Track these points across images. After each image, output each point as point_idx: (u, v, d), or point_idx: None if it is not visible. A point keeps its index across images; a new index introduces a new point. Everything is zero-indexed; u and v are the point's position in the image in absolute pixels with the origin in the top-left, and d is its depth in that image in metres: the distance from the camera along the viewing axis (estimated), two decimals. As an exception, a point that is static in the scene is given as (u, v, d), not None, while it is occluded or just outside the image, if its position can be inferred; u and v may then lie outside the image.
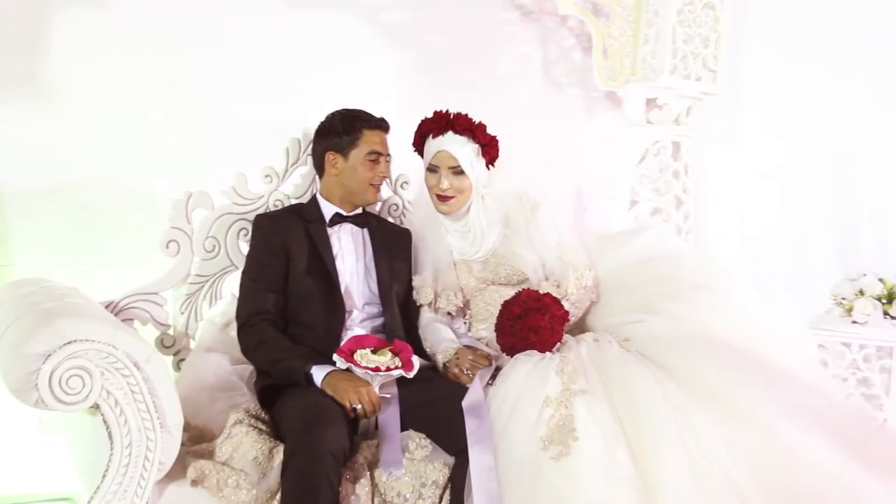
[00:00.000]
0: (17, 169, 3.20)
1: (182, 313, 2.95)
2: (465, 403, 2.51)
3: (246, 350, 2.75)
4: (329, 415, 2.42)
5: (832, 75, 4.55)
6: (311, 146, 3.00)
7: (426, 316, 2.97)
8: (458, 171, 2.89)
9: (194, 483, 2.31)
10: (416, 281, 2.97)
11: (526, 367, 2.60)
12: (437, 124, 2.91)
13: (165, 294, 2.93)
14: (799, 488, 2.38)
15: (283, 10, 3.56)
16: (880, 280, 3.82)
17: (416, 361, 2.64)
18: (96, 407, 2.18)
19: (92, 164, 3.25)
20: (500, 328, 2.76)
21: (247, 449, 2.39)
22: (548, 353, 2.67)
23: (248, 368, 2.71)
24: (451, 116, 2.90)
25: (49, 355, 2.11)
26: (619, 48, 3.89)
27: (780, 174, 4.57)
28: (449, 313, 2.96)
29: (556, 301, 2.77)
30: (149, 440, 2.21)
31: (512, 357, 2.72)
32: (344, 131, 2.86)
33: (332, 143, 2.88)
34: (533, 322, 2.67)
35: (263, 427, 2.52)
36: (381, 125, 2.90)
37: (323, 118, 2.93)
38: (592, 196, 4.10)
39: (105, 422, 2.19)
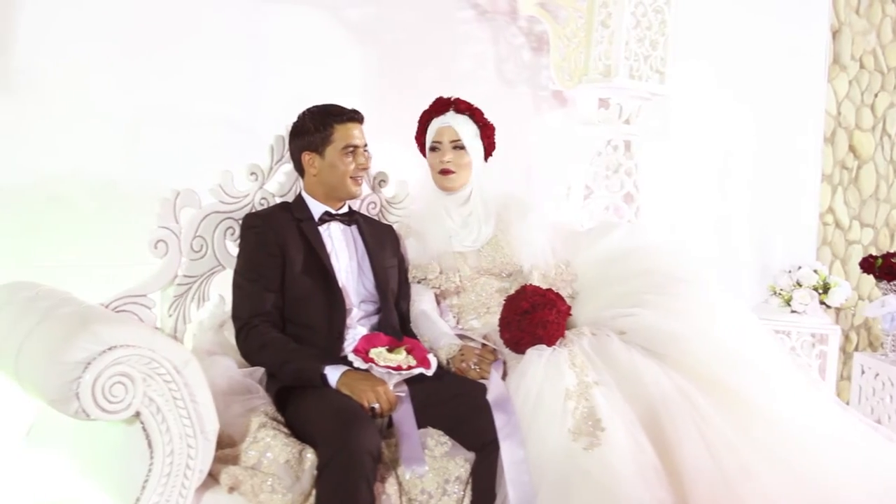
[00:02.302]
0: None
1: (170, 316, 2.85)
2: (490, 399, 2.53)
3: (248, 353, 2.68)
4: (361, 415, 2.40)
5: (745, 77, 4.80)
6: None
7: (417, 308, 2.98)
8: (458, 146, 3.04)
9: (231, 490, 2.24)
10: (418, 260, 3.03)
11: (541, 362, 2.64)
12: (438, 106, 3.08)
13: (153, 296, 2.81)
14: (801, 463, 2.54)
15: (248, 4, 3.47)
16: (815, 272, 4.07)
17: (433, 359, 2.64)
18: (136, 415, 2.09)
19: (59, 161, 3.07)
20: (505, 323, 2.79)
21: (277, 452, 2.33)
22: (555, 347, 2.72)
23: (259, 371, 2.63)
24: (452, 99, 3.07)
25: (90, 362, 2.01)
26: (573, 49, 3.98)
27: (703, 174, 4.79)
28: (445, 295, 3.03)
29: (560, 296, 2.83)
30: (190, 447, 2.14)
31: (515, 352, 2.78)
32: (315, 129, 2.83)
33: (305, 143, 2.85)
34: (541, 317, 2.72)
35: (286, 430, 2.46)
36: (354, 117, 2.86)
37: (293, 117, 2.89)
38: (543, 194, 4.17)
39: (145, 430, 2.10)
